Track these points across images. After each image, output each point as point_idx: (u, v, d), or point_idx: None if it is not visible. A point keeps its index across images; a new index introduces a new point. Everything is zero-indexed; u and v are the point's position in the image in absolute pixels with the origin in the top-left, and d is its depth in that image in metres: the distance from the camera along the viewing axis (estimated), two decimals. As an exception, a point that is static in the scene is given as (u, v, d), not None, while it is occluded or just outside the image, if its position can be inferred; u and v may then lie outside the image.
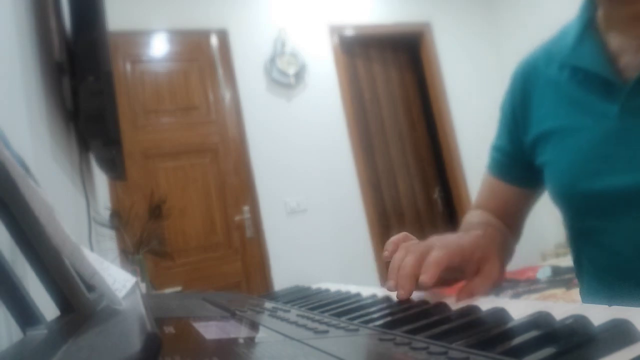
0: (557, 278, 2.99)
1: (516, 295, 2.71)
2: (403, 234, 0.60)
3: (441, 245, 0.54)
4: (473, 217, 0.81)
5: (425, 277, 0.50)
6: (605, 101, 0.62)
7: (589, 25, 0.67)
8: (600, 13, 0.67)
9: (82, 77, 1.09)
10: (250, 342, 0.36)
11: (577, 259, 0.75)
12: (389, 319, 0.44)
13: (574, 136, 0.66)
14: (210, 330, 0.39)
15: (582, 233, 0.71)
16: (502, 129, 0.81)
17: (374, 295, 0.60)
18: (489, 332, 0.35)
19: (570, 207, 0.70)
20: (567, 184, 0.67)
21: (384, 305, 0.52)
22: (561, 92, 0.69)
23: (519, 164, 0.77)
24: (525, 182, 0.78)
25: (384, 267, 0.63)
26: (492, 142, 0.84)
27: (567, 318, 0.33)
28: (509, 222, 0.81)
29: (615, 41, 0.64)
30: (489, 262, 0.56)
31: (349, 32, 3.91)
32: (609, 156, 0.61)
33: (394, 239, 0.59)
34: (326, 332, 0.38)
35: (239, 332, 0.41)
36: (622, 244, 0.64)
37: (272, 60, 3.56)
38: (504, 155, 0.81)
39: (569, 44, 0.68)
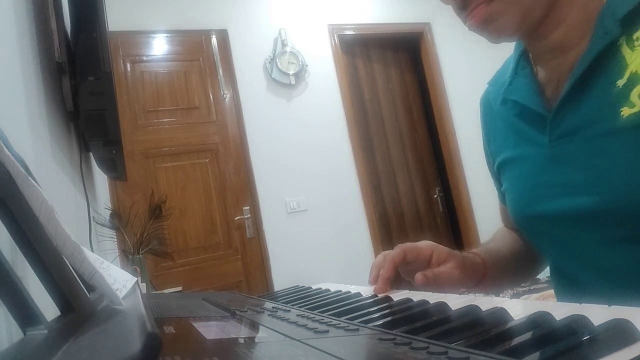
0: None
1: (516, 295, 2.71)
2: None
3: (399, 246, 0.68)
4: (494, 234, 0.89)
5: (383, 271, 0.64)
6: (538, 131, 0.66)
7: (522, 59, 0.72)
8: (526, 46, 0.71)
9: (82, 77, 1.09)
10: (250, 342, 0.36)
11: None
12: (389, 319, 0.44)
13: (520, 165, 0.71)
14: (210, 330, 0.39)
15: (542, 252, 0.77)
16: (486, 161, 0.87)
17: (374, 295, 0.60)
18: (489, 332, 0.34)
19: (524, 231, 0.75)
20: (517, 211, 0.72)
21: (384, 305, 0.52)
22: (507, 124, 0.73)
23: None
24: None
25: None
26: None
27: (567, 318, 0.33)
28: None
29: (541, 72, 0.68)
30: (444, 264, 0.68)
31: (349, 32, 3.91)
32: (546, 183, 0.65)
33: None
34: (326, 332, 0.38)
35: (239, 332, 0.41)
36: (567, 263, 0.68)
37: (272, 60, 3.56)
38: (495, 182, 0.85)
39: (507, 77, 0.73)
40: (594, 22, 0.59)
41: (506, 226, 0.90)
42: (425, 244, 0.69)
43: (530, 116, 0.68)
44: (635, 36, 0.55)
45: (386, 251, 0.70)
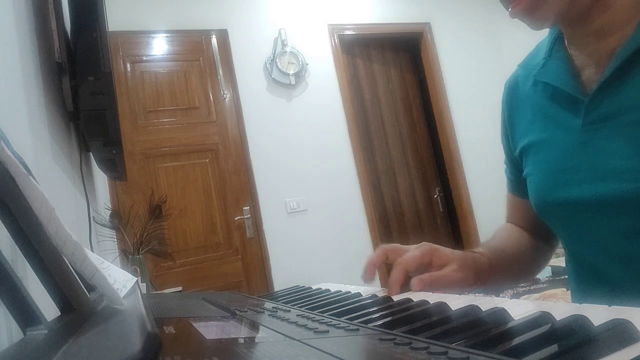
0: (557, 278, 2.99)
1: (516, 295, 2.71)
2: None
3: (400, 262, 0.65)
4: (497, 231, 0.87)
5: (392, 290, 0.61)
6: (571, 115, 0.65)
7: (557, 41, 0.70)
8: (564, 30, 0.69)
9: (82, 77, 1.09)
10: (250, 342, 0.36)
11: (566, 264, 0.78)
12: (389, 319, 0.44)
13: (547, 149, 0.69)
14: (210, 330, 0.39)
15: (561, 240, 0.75)
16: (504, 150, 0.85)
17: (374, 295, 0.60)
18: (489, 332, 0.34)
19: (546, 217, 0.73)
20: (541, 195, 0.71)
21: (384, 305, 0.52)
22: (536, 107, 0.72)
23: (523, 178, 0.79)
24: None
25: (385, 268, 0.71)
26: (504, 161, 0.87)
27: (567, 318, 0.33)
28: (540, 230, 0.84)
29: (578, 56, 0.67)
30: (447, 266, 0.66)
31: (349, 32, 3.91)
32: (574, 168, 0.64)
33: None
34: (326, 332, 0.38)
35: (239, 332, 0.41)
36: (590, 252, 0.67)
37: (272, 60, 3.56)
38: (510, 171, 0.84)
39: (540, 60, 0.71)
40: None
41: (510, 221, 0.88)
42: (428, 249, 0.67)
43: (563, 99, 0.66)
44: None
45: (389, 247, 0.69)
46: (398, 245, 0.70)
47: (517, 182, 0.82)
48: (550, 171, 0.68)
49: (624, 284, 0.62)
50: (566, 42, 0.69)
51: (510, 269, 0.79)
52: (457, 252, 0.69)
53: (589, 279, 0.69)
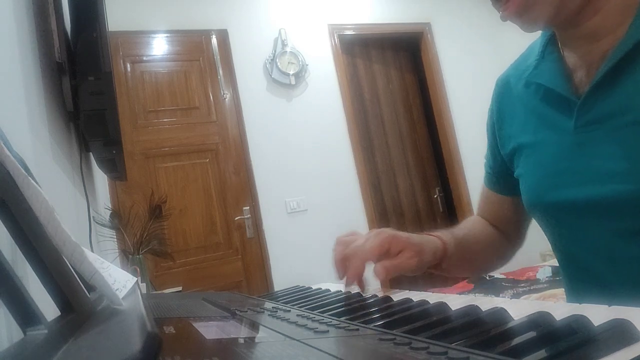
0: (557, 278, 2.99)
1: (516, 295, 2.71)
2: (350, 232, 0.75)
3: (359, 252, 0.67)
4: (464, 222, 0.89)
5: (358, 271, 0.65)
6: (563, 116, 0.65)
7: (550, 43, 0.70)
8: (556, 32, 0.70)
9: (82, 77, 1.09)
10: (250, 342, 0.36)
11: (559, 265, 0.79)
12: (389, 319, 0.44)
13: (539, 150, 0.69)
14: (210, 330, 0.39)
15: (552, 241, 0.75)
16: (488, 144, 0.86)
17: (374, 296, 0.60)
18: (489, 332, 0.34)
19: (538, 218, 0.74)
20: (533, 197, 0.71)
21: (384, 305, 0.52)
22: (529, 108, 0.72)
23: (504, 176, 0.81)
24: (514, 192, 0.79)
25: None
26: (484, 155, 0.88)
27: (567, 318, 0.33)
28: (508, 228, 0.86)
29: (570, 58, 0.67)
30: (403, 252, 0.67)
31: (349, 32, 3.91)
32: (567, 170, 0.64)
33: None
34: (326, 332, 0.38)
35: (239, 332, 0.41)
36: (582, 253, 0.67)
37: (272, 60, 3.56)
38: (490, 168, 0.85)
39: (533, 61, 0.72)
40: (634, 10, 0.58)
41: (480, 215, 0.90)
42: (385, 237, 0.68)
43: (555, 100, 0.66)
44: None
45: (347, 239, 0.70)
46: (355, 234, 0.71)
47: (495, 177, 0.83)
48: (543, 173, 0.69)
49: (616, 284, 0.62)
50: (559, 43, 0.69)
51: (468, 258, 0.80)
52: (414, 237, 0.70)
53: (581, 280, 0.70)
